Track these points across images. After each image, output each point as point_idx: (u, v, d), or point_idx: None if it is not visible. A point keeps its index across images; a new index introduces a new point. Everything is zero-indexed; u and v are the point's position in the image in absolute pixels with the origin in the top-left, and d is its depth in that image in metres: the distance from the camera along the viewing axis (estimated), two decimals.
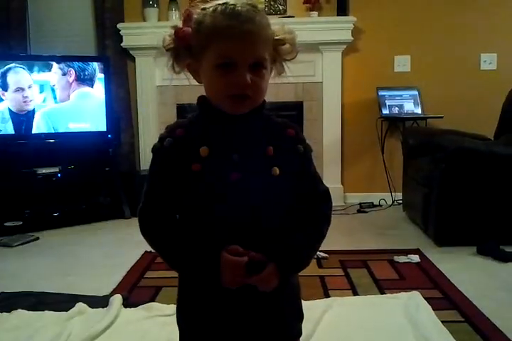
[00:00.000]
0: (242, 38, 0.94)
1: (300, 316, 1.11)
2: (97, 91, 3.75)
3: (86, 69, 3.69)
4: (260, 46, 0.96)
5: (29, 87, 3.55)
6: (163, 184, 1.01)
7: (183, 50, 1.00)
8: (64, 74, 3.63)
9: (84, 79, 3.69)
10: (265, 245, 0.98)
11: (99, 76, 3.75)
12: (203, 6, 0.99)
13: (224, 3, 0.96)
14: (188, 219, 1.02)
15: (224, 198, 0.97)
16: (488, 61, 4.07)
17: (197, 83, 1.04)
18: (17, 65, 3.51)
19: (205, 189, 0.97)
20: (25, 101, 3.54)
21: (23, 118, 3.55)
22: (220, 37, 0.94)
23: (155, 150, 1.02)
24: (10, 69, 3.49)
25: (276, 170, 0.98)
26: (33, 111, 3.58)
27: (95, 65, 3.73)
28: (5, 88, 3.48)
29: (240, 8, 0.95)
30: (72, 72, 3.64)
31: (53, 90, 3.62)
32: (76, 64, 3.65)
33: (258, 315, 1.02)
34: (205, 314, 1.03)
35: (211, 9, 0.96)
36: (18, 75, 3.52)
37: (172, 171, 0.98)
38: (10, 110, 3.50)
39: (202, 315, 1.03)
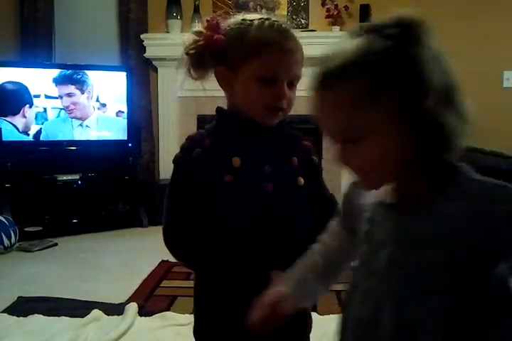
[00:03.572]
0: (288, 54, 0.97)
1: (308, 327, 1.12)
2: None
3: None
4: (300, 65, 0.99)
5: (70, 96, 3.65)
6: (191, 195, 0.99)
7: (209, 57, 0.99)
8: (84, 88, 3.71)
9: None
10: (298, 254, 0.97)
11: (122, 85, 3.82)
12: (241, 17, 1.00)
13: (268, 19, 0.98)
14: (216, 230, 0.99)
15: (259, 208, 0.98)
16: (511, 78, 4.03)
17: (216, 95, 1.06)
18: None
19: (239, 199, 0.97)
20: (69, 109, 3.64)
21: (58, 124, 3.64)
22: (267, 51, 0.95)
23: (179, 160, 1.01)
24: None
25: (301, 181, 1.01)
26: (66, 119, 3.66)
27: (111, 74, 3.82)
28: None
29: (285, 25, 0.98)
30: (91, 91, 3.72)
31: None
32: (82, 73, 3.71)
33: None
34: (224, 321, 1.02)
35: (257, 22, 0.97)
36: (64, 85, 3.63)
37: (202, 181, 0.97)
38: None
39: (222, 322, 1.03)
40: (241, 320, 0.97)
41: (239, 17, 1.01)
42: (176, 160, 1.02)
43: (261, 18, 0.98)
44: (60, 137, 3.65)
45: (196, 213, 0.99)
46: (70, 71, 3.67)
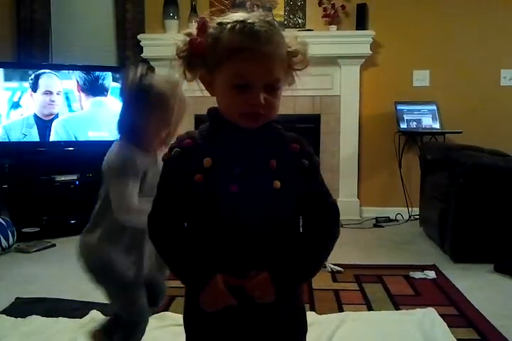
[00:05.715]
0: (260, 60, 0.93)
1: (305, 329, 1.10)
2: (112, 100, 3.79)
3: (92, 79, 3.75)
4: (276, 67, 0.96)
5: (57, 93, 3.65)
6: (170, 192, 1.02)
7: (196, 60, 0.99)
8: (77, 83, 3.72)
9: (94, 89, 3.76)
10: (261, 256, 0.99)
11: (114, 85, 3.79)
12: (219, 21, 0.98)
13: (242, 21, 0.94)
14: (192, 227, 1.03)
15: (223, 210, 0.98)
16: (508, 77, 4.04)
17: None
18: (51, 71, 3.63)
19: (205, 200, 0.98)
20: (50, 105, 3.63)
21: (47, 124, 3.62)
22: (237, 57, 0.93)
23: (164, 159, 1.03)
24: (44, 73, 3.61)
25: (278, 184, 0.98)
26: (56, 118, 3.65)
27: (108, 74, 3.80)
28: (35, 89, 3.59)
29: (258, 27, 0.94)
30: (74, 82, 3.72)
31: (68, 99, 3.69)
32: (79, 74, 3.71)
33: (260, 326, 1.02)
34: (209, 324, 1.04)
35: (229, 26, 0.95)
36: (50, 80, 3.63)
37: (177, 181, 1.00)
38: (35, 116, 3.58)
39: (207, 325, 1.05)
40: (219, 321, 1.01)
41: (218, 19, 0.99)
42: (162, 159, 1.05)
43: (235, 21, 0.95)
44: (59, 138, 3.65)
45: (176, 209, 1.02)
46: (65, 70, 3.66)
